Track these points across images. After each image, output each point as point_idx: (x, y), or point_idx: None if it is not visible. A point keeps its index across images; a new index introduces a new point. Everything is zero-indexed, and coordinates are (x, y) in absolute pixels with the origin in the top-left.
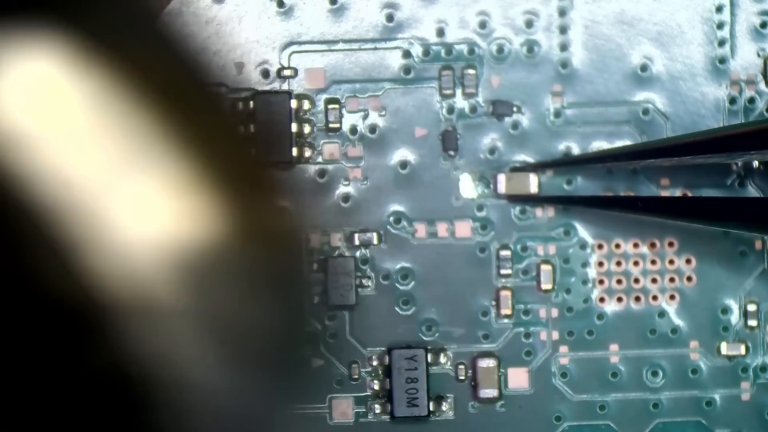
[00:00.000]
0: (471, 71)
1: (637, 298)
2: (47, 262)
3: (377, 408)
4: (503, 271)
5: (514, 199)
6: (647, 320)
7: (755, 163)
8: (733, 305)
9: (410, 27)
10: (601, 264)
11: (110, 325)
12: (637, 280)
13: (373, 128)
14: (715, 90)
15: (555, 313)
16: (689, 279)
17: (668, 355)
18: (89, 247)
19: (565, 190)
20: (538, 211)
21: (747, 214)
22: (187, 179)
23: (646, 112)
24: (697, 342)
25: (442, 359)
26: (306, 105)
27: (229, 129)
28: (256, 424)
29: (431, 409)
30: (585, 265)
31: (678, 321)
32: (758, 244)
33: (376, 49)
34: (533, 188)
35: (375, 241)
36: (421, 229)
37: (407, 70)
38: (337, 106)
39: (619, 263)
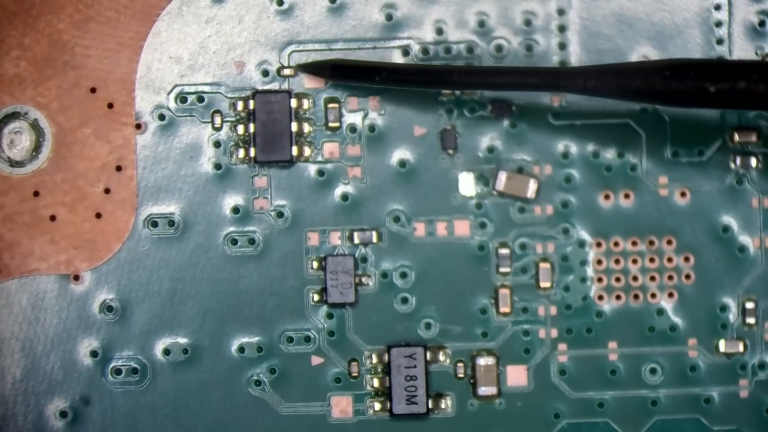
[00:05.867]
0: None
1: (636, 296)
2: None
3: (377, 406)
4: (502, 269)
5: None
6: (646, 318)
7: (753, 162)
8: (731, 303)
9: (409, 26)
10: (599, 262)
11: None
12: (635, 278)
13: (372, 127)
14: None
15: (554, 311)
16: (687, 277)
17: (667, 352)
18: None
19: (564, 187)
20: (537, 210)
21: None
22: None
23: (644, 110)
24: (695, 339)
25: (441, 357)
26: (306, 104)
27: None
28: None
29: (430, 406)
30: (583, 263)
31: (676, 319)
32: (756, 242)
33: (375, 48)
34: (530, 193)
35: (374, 240)
36: (420, 228)
37: None
38: (336, 105)
39: (617, 261)
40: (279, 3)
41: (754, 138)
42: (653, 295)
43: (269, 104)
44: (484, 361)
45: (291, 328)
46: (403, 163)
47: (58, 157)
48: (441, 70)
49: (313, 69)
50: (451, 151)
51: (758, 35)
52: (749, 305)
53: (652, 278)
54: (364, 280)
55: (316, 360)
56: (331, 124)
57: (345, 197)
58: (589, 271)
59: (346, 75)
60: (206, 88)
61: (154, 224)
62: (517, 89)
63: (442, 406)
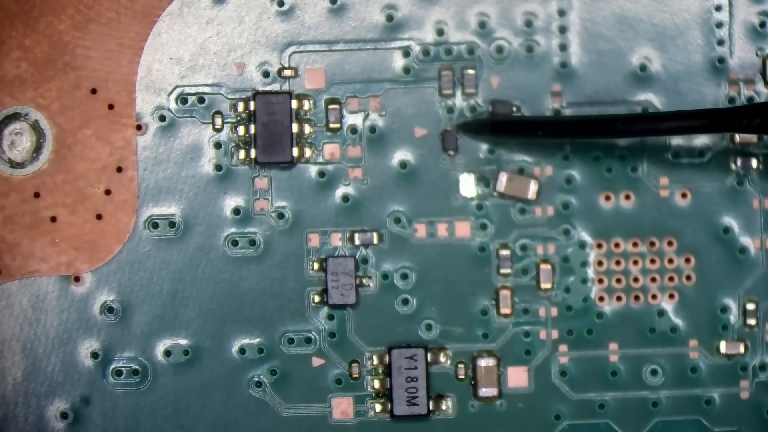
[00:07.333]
0: (471, 71)
1: (637, 297)
2: None
3: (377, 407)
4: (503, 271)
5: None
6: (646, 319)
7: (754, 163)
8: (732, 304)
9: (410, 27)
10: (600, 263)
11: None
12: (636, 279)
13: (373, 128)
14: (714, 89)
15: (554, 312)
16: (688, 278)
17: (667, 353)
18: None
19: (565, 189)
20: (538, 211)
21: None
22: None
23: (645, 112)
24: (696, 341)
25: (442, 358)
26: (306, 105)
27: None
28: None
29: (431, 407)
30: (584, 264)
31: (677, 320)
32: (757, 243)
33: (376, 49)
34: (531, 194)
35: (375, 241)
36: (421, 229)
37: (407, 70)
38: (337, 106)
39: (618, 262)
40: (280, 4)
41: (754, 139)
42: (654, 297)
43: (270, 105)
44: (484, 362)
45: (292, 330)
46: (403, 164)
47: (59, 158)
48: (604, 119)
49: (472, 128)
50: (451, 152)
51: (759, 36)
52: (750, 306)
53: (653, 279)
54: (364, 281)
55: (316, 361)
56: (331, 125)
57: (346, 198)
58: (590, 272)
59: (507, 131)
60: (207, 89)
61: (155, 225)
62: (682, 133)
63: (443, 407)
